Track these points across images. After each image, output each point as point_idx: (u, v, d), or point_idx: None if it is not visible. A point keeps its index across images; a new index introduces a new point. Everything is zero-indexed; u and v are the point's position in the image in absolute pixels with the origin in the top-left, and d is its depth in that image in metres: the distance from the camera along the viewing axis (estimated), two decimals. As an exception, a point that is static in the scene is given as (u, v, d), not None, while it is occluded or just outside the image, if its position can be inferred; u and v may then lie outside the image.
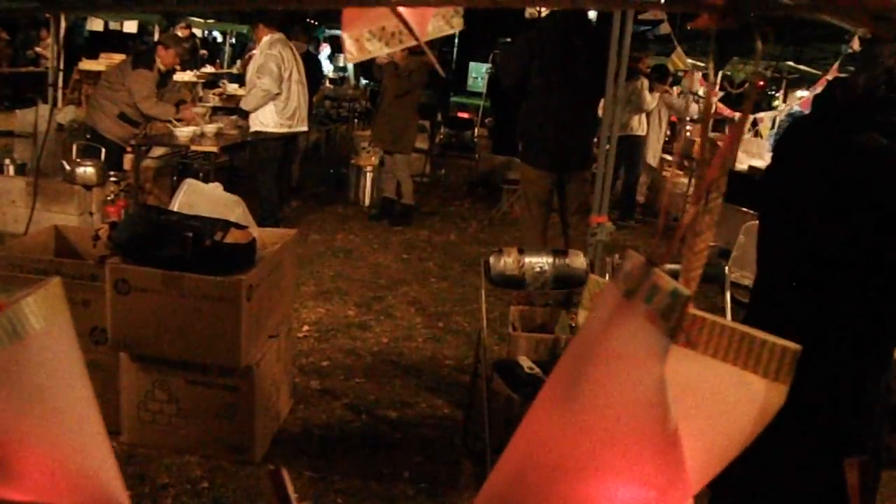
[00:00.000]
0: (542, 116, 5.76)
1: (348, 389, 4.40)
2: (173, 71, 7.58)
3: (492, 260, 3.79)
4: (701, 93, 10.39)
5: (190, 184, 3.92)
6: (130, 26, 16.50)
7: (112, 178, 6.72)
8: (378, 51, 1.86)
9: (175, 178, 7.76)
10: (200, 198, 3.85)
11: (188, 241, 3.31)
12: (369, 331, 5.26)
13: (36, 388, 0.83)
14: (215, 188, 3.98)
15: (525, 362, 3.62)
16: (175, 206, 3.79)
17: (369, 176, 8.91)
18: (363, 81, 17.19)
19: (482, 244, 7.74)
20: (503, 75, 6.25)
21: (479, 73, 20.82)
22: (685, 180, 11.01)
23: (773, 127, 12.86)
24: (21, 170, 7.07)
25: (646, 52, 9.54)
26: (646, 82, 9.09)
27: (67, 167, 6.55)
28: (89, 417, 0.87)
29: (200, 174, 7.38)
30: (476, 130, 11.72)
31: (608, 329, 0.72)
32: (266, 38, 6.95)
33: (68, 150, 6.75)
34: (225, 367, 3.42)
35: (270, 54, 6.89)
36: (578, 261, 3.89)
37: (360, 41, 1.81)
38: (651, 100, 9.14)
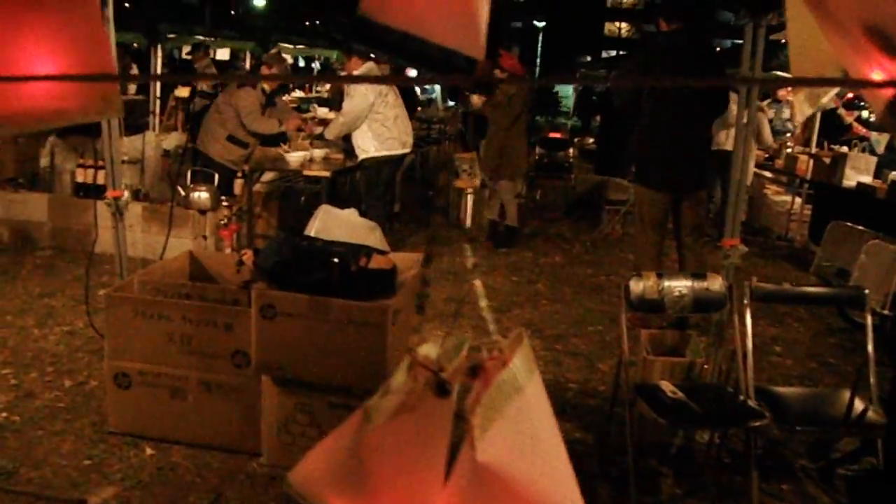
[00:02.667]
0: (655, 137, 5.71)
1: (476, 413, 4.36)
2: (278, 92, 7.71)
3: (631, 284, 3.76)
4: (840, 111, 10.18)
5: (325, 209, 3.96)
6: (223, 54, 16.99)
7: (224, 203, 6.85)
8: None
9: (280, 202, 7.89)
10: (335, 223, 3.88)
11: (335, 267, 3.35)
12: (488, 354, 5.22)
13: (533, 436, 0.84)
14: (350, 214, 4.02)
15: (667, 387, 3.55)
16: (311, 231, 3.84)
17: (470, 198, 8.91)
18: (450, 103, 17.31)
19: (588, 265, 7.67)
20: (616, 96, 6.23)
21: (564, 93, 20.80)
22: (787, 198, 10.75)
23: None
24: (137, 195, 7.26)
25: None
26: (735, 95, 8.90)
27: (182, 192, 6.72)
28: (565, 461, 0.88)
29: (303, 198, 7.48)
30: (571, 150, 11.63)
31: None
32: (357, 70, 6.98)
33: (175, 175, 6.90)
34: (368, 389, 3.42)
35: (358, 88, 6.93)
36: (717, 284, 3.84)
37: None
38: None
